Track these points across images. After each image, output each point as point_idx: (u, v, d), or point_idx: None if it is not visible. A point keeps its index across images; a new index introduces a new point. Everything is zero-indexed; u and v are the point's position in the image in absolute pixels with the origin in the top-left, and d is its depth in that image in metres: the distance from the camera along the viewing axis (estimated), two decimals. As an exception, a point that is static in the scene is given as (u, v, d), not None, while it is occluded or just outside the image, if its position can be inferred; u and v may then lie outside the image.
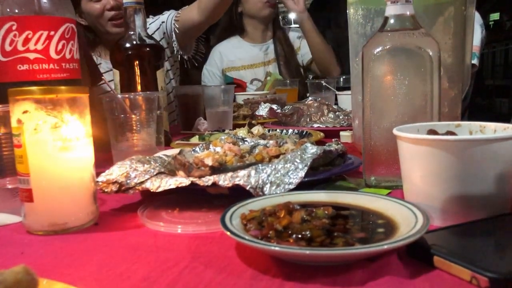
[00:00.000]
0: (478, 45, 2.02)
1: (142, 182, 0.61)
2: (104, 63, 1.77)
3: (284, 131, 1.09)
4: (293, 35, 2.54)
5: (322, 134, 1.07)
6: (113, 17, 1.66)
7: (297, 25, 2.57)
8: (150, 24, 1.87)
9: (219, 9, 1.79)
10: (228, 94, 1.36)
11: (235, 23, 2.47)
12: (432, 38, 0.63)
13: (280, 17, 2.73)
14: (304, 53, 2.51)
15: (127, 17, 1.06)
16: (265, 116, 1.41)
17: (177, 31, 1.84)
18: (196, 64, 2.05)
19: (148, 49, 1.08)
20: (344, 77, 2.37)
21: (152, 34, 1.74)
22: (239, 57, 2.45)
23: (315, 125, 1.26)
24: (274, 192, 0.57)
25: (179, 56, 1.92)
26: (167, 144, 1.05)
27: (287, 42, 2.48)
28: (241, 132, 1.02)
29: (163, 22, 1.87)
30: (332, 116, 1.31)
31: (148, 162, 0.66)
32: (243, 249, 0.48)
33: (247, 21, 2.46)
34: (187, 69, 2.14)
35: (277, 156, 0.70)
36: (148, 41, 1.08)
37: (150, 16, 1.93)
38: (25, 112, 0.53)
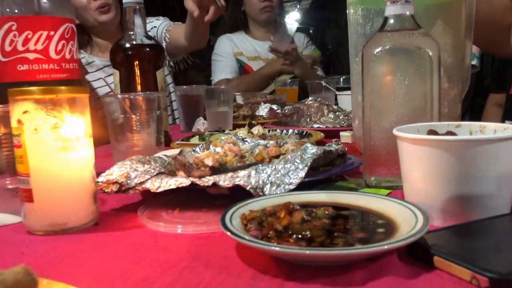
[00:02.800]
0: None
1: (142, 182, 0.61)
2: (97, 60, 1.77)
3: (284, 131, 1.09)
4: (298, 37, 2.55)
5: (322, 134, 1.07)
6: (99, 6, 1.67)
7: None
8: None
9: (195, 37, 1.80)
10: (228, 94, 1.36)
11: (239, 21, 2.50)
12: (432, 38, 0.63)
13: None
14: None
15: (127, 17, 1.06)
16: (265, 116, 1.41)
17: (167, 41, 1.90)
18: (191, 62, 2.09)
19: (148, 49, 1.08)
20: (344, 77, 2.37)
21: None
22: (245, 49, 2.48)
23: (315, 125, 1.26)
24: (274, 192, 0.57)
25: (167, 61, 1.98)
26: (167, 144, 1.05)
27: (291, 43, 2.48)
28: (241, 132, 1.02)
29: (155, 27, 1.92)
30: (332, 116, 1.31)
31: (148, 162, 0.66)
32: (243, 249, 0.48)
33: (249, 20, 2.50)
34: (186, 69, 2.17)
35: (277, 156, 0.70)
36: (148, 41, 1.08)
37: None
38: (25, 112, 0.53)
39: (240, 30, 2.52)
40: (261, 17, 2.41)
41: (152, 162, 0.67)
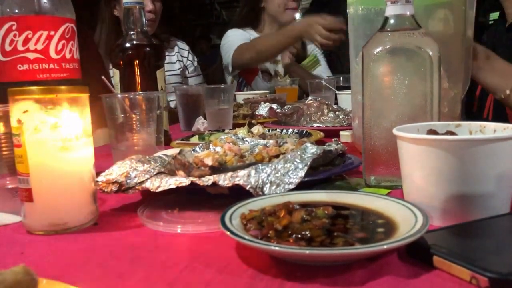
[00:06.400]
0: None
1: (142, 182, 0.61)
2: None
3: (284, 130, 1.08)
4: (310, 48, 2.52)
5: (322, 133, 1.07)
6: (148, 19, 1.79)
7: None
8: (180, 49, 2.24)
9: None
10: (228, 94, 1.36)
11: (254, 16, 2.43)
12: (432, 38, 0.63)
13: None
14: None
15: (127, 17, 1.06)
16: (265, 116, 1.41)
17: (195, 65, 2.26)
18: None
19: (148, 49, 1.08)
20: (344, 76, 2.37)
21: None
22: None
23: (315, 125, 1.26)
24: (274, 192, 0.57)
25: None
26: (167, 144, 1.05)
27: (300, 50, 2.44)
28: (241, 132, 1.02)
29: (185, 49, 2.25)
30: (332, 115, 1.31)
31: (148, 162, 0.66)
32: (243, 249, 0.48)
33: (266, 18, 2.43)
34: None
35: (277, 156, 0.70)
36: (148, 41, 1.08)
37: (183, 41, 2.28)
38: (25, 112, 0.53)
39: (249, 27, 2.43)
40: (283, 17, 2.32)
41: (151, 162, 0.67)
